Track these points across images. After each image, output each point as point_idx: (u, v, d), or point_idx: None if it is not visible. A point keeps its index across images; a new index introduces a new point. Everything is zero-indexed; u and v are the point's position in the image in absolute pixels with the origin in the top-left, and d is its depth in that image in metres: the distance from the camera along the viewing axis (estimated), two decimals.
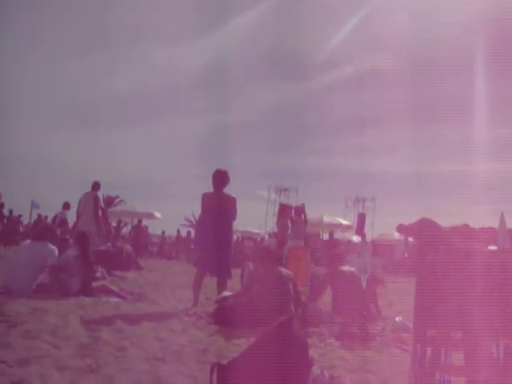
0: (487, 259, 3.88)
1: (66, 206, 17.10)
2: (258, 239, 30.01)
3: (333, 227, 25.97)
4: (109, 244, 15.41)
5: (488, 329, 3.74)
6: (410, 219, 4.40)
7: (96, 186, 13.18)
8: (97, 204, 13.03)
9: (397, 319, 6.88)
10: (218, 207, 7.91)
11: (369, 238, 23.98)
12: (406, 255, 26.54)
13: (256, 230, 33.49)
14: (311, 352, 4.40)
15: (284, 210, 13.56)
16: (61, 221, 16.75)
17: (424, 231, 3.66)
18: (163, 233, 30.94)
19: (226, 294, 7.21)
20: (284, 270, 6.92)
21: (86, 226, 12.21)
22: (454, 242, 3.69)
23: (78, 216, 13.11)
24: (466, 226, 4.48)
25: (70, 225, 15.63)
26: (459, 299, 3.50)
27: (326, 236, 24.20)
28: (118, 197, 50.12)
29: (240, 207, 8.25)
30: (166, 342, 5.08)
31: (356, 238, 19.44)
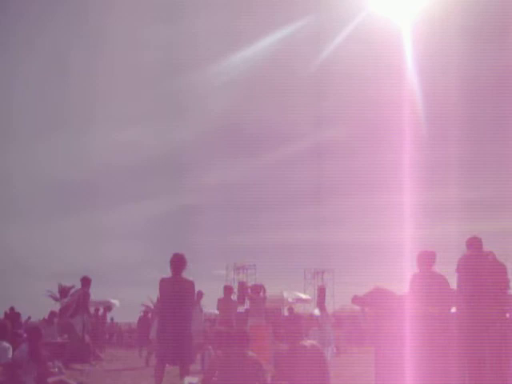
0: (442, 322, 3.96)
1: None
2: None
3: (293, 302, 25.85)
4: (65, 336, 14.93)
5: None
6: (368, 288, 4.46)
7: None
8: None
9: None
10: (177, 292, 7.81)
11: (330, 310, 23.88)
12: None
13: (217, 311, 32.90)
14: None
15: (242, 288, 13.46)
16: (12, 314, 16.33)
17: (377, 300, 3.73)
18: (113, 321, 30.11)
19: (191, 380, 7.02)
20: (246, 352, 6.81)
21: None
22: (408, 307, 3.77)
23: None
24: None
25: None
26: (419, 363, 3.55)
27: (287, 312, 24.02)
28: (73, 286, 48.89)
29: (199, 289, 8.17)
30: None
31: (317, 311, 19.31)
